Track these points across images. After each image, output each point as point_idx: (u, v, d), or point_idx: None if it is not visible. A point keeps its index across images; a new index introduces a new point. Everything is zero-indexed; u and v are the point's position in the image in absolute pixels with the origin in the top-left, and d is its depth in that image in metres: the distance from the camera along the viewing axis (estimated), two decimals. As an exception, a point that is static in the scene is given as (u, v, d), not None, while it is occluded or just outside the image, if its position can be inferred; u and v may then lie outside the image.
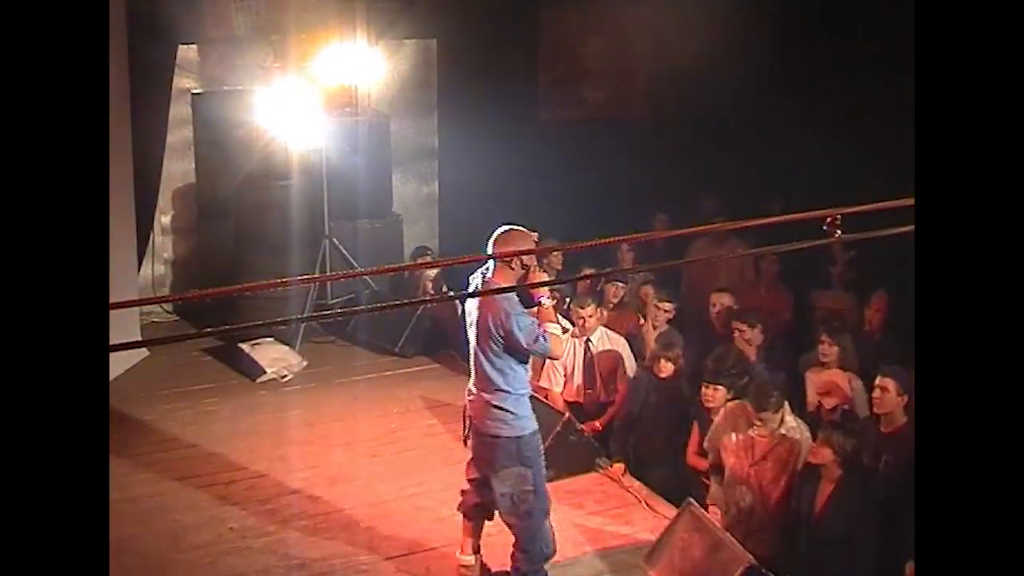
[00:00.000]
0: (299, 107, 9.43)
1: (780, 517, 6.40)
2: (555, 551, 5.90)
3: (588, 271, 8.51)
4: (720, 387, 7.04)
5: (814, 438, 6.32)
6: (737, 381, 7.07)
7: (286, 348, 9.49)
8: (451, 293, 9.72)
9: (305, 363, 9.42)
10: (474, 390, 5.68)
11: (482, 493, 5.86)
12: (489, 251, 5.48)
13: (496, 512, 5.84)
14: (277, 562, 6.32)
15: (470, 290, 5.83)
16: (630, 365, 8.04)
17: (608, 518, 6.80)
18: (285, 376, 9.21)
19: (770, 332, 7.93)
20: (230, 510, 6.89)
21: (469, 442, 5.84)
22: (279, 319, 9.25)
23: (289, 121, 9.46)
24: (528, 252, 5.56)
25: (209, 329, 8.81)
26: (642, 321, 8.67)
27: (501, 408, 5.56)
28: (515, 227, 5.54)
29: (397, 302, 9.85)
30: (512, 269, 5.51)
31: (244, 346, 9.32)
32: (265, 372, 9.15)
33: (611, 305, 8.69)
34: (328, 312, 9.76)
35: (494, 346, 5.51)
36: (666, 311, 8.39)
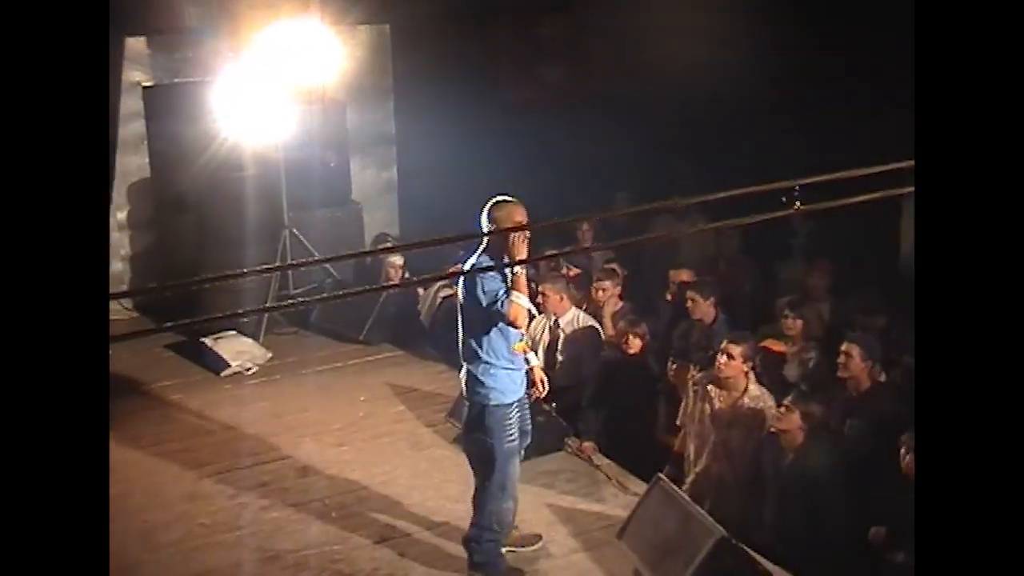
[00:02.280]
0: (254, 97, 9.34)
1: (746, 485, 6.45)
2: (518, 541, 6.05)
3: (550, 251, 8.47)
4: (686, 363, 7.08)
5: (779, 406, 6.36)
6: (703, 356, 7.11)
7: (250, 341, 9.44)
8: (414, 279, 9.69)
9: (269, 355, 9.38)
10: (461, 357, 5.82)
11: None
12: (483, 222, 5.55)
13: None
14: (250, 556, 6.29)
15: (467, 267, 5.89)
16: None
17: (579, 496, 6.81)
18: (250, 369, 9.16)
19: (726, 304, 7.99)
20: (200, 506, 6.85)
21: None
22: (242, 311, 9.19)
23: (244, 112, 9.38)
24: (508, 229, 5.51)
25: (171, 324, 8.73)
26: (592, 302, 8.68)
27: (472, 373, 5.70)
28: (506, 198, 5.58)
29: (360, 289, 9.81)
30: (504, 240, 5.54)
31: (207, 340, 9.25)
32: (229, 365, 9.10)
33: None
34: (291, 302, 9.71)
35: (467, 311, 5.65)
36: (604, 290, 8.39)
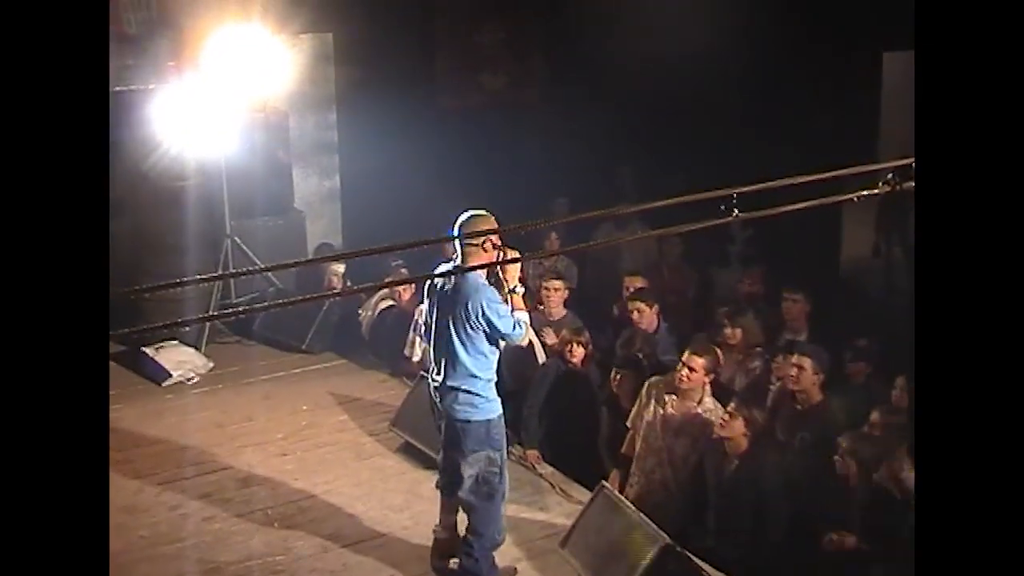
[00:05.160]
0: (196, 105, 9.27)
1: (689, 491, 6.48)
2: (503, 541, 5.97)
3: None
4: (629, 372, 7.11)
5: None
6: (645, 365, 7.15)
7: (191, 350, 9.36)
8: (355, 287, 9.67)
9: (211, 364, 9.31)
10: (439, 377, 5.67)
11: (450, 473, 5.83)
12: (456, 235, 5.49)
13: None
14: (191, 568, 6.23)
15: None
16: (540, 351, 8.04)
17: (523, 505, 6.80)
18: (191, 378, 9.08)
19: (669, 311, 8.04)
20: (140, 517, 6.77)
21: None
22: (183, 319, 9.11)
23: (186, 120, 9.30)
24: (468, 234, 5.45)
25: (111, 333, 8.62)
26: (540, 306, 8.68)
27: (471, 392, 5.58)
28: (478, 212, 5.52)
29: (303, 297, 9.77)
30: (485, 252, 5.48)
31: (148, 350, 9.16)
32: (171, 375, 9.01)
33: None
34: (233, 310, 9.64)
35: (471, 332, 5.52)
36: (556, 289, 8.38)
